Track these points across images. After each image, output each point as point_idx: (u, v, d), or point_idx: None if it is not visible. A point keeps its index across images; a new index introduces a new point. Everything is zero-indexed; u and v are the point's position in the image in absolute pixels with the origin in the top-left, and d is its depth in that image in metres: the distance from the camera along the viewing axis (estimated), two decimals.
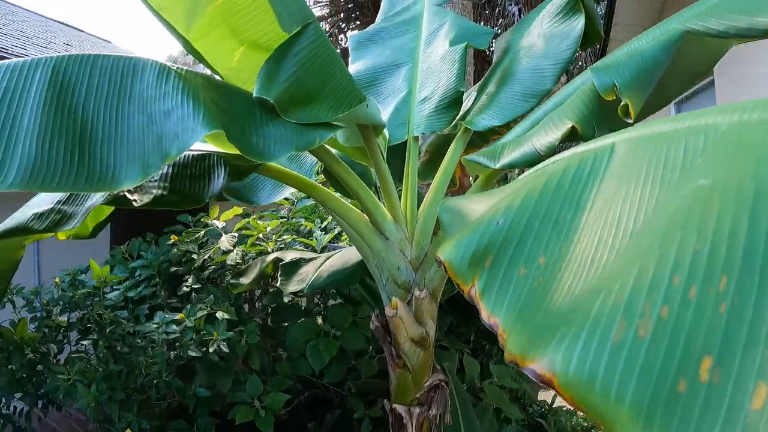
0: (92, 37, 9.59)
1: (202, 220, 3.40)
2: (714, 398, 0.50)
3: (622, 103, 1.33)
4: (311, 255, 2.88)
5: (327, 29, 13.07)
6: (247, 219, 3.25)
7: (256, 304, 3.41)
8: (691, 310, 0.55)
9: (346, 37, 13.21)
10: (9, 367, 2.71)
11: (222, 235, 3.26)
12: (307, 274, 2.59)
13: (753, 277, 0.54)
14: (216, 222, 3.34)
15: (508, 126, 2.06)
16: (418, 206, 2.19)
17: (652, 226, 0.67)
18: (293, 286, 2.60)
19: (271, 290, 3.32)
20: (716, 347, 0.52)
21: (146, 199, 1.65)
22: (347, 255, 2.59)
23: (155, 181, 1.74)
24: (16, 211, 1.90)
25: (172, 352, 2.61)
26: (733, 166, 0.64)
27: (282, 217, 3.44)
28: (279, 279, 2.71)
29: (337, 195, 2.20)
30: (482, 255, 0.87)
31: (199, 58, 1.91)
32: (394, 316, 2.02)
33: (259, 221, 3.27)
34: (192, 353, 2.56)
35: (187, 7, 1.76)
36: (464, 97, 2.30)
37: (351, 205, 2.09)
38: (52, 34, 7.67)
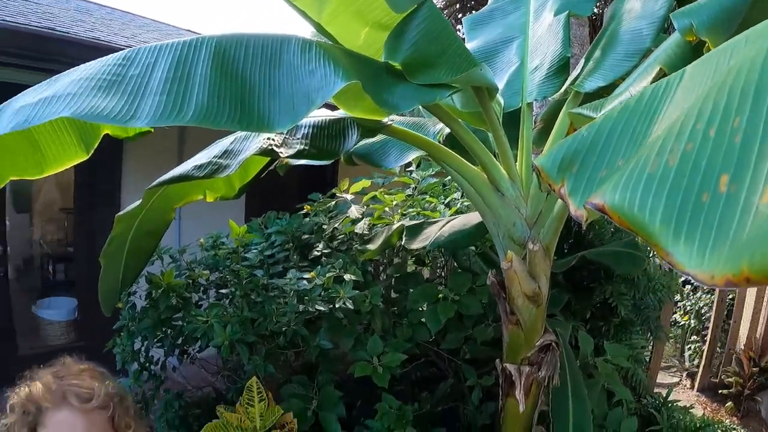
0: None
1: (333, 191, 3.72)
2: (731, 203, 0.72)
3: (706, 45, 1.48)
4: (434, 219, 3.13)
5: None
6: (375, 192, 3.51)
7: (381, 276, 3.66)
8: (711, 142, 0.77)
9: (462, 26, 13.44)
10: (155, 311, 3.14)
11: (351, 206, 3.57)
12: (430, 233, 2.83)
13: (760, 115, 0.74)
14: (345, 195, 3.66)
15: (612, 86, 2.21)
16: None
17: (693, 104, 0.87)
18: (417, 244, 2.85)
19: (395, 261, 3.60)
20: (732, 167, 0.74)
21: (291, 152, 1.95)
22: (467, 218, 2.81)
23: (298, 138, 2.04)
24: (179, 166, 2.28)
25: (301, 306, 2.92)
26: (754, 46, 0.84)
27: (408, 195, 3.65)
28: (404, 238, 2.97)
29: None
30: (570, 161, 1.10)
31: (331, 38, 2.21)
32: (509, 269, 2.21)
33: (386, 196, 3.52)
34: (319, 307, 2.86)
35: None
36: (575, 66, 2.49)
37: (470, 164, 2.30)
38: (171, 36, 8.24)
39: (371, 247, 3.23)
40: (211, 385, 3.94)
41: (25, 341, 5.50)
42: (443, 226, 2.82)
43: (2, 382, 1.57)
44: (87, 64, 1.62)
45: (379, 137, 2.83)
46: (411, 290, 3.25)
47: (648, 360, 5.14)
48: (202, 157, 2.20)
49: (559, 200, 2.14)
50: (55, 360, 1.58)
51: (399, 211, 3.43)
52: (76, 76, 1.55)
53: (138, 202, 2.54)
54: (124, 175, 5.74)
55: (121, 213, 2.61)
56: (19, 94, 1.65)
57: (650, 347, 5.10)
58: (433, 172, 3.50)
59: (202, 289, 3.41)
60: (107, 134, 2.31)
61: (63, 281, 7.51)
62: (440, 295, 3.04)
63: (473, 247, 3.39)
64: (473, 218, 2.74)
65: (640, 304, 3.93)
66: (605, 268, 3.55)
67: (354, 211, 3.45)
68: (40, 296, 6.96)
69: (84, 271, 6.05)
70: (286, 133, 2.07)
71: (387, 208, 3.38)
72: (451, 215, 3.37)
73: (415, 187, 3.64)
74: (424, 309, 3.14)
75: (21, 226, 6.57)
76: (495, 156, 2.30)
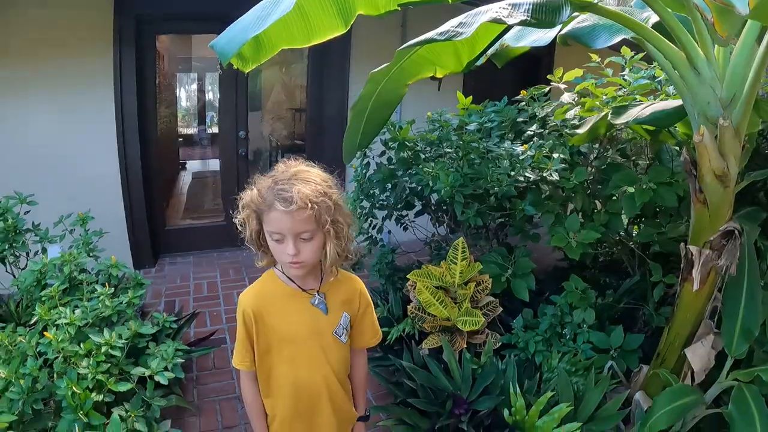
0: None
1: (547, 77, 4.19)
2: None
3: None
4: (638, 103, 3.44)
5: None
6: (586, 83, 3.85)
7: (588, 168, 4.05)
8: None
9: None
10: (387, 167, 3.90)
11: (564, 94, 4.01)
12: (633, 113, 3.17)
13: None
14: (559, 84, 4.09)
15: None
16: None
17: None
18: (621, 120, 3.21)
19: (605, 154, 3.98)
20: None
21: (515, 21, 2.46)
22: (669, 102, 3.12)
23: (521, 12, 2.54)
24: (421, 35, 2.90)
25: (512, 171, 3.49)
26: None
27: (619, 95, 3.86)
28: (609, 114, 3.33)
29: None
30: None
31: None
32: (700, 142, 2.54)
33: (597, 88, 3.83)
34: (528, 174, 3.40)
35: None
36: None
37: (672, 45, 2.61)
38: None
39: (579, 131, 3.62)
40: (417, 252, 4.72)
41: None
42: (646, 107, 3.15)
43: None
44: None
45: (590, 22, 3.20)
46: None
47: None
48: (441, 28, 2.78)
49: (748, 82, 2.49)
50: (280, 164, 2.02)
51: (610, 104, 3.72)
52: None
53: (387, 64, 3.22)
54: (351, 76, 6.72)
55: (374, 71, 3.22)
56: None
57: None
58: (645, 74, 3.80)
59: (425, 157, 4.10)
60: (360, 14, 2.71)
61: None
62: (639, 181, 3.34)
63: (676, 148, 3.71)
64: (674, 103, 3.05)
65: None
66: None
67: (566, 97, 3.90)
68: None
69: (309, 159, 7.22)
70: (511, 8, 2.60)
71: (597, 102, 3.76)
72: None
73: (626, 90, 3.94)
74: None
75: (254, 122, 7.73)
76: (694, 40, 2.57)
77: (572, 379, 3.31)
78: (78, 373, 2.59)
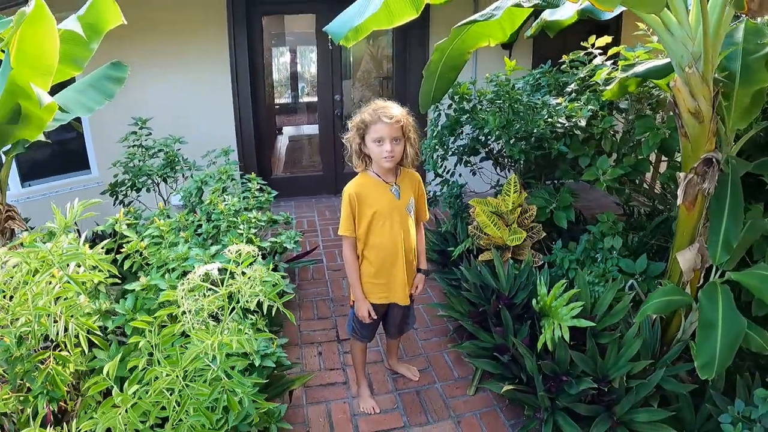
0: None
1: (581, 44, 5.28)
2: None
3: None
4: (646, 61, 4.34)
5: None
6: (618, 48, 4.80)
7: (625, 121, 5.06)
8: None
9: None
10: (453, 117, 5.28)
11: (596, 56, 5.10)
12: (636, 69, 4.10)
13: None
14: (593, 50, 5.18)
15: None
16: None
17: None
18: (626, 74, 4.13)
19: (637, 108, 4.91)
20: None
21: (530, 4, 3.40)
22: (662, 60, 4.04)
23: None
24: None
25: (549, 118, 4.66)
26: None
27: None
28: (620, 68, 4.34)
29: None
30: None
31: None
32: (674, 86, 3.26)
33: (626, 51, 4.67)
34: (561, 120, 4.57)
35: None
36: None
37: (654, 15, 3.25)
38: None
39: (609, 87, 4.53)
40: (482, 194, 5.98)
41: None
42: (645, 64, 4.08)
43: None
44: None
45: None
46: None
47: None
48: (482, 11, 3.67)
49: (700, 40, 3.17)
50: (376, 100, 3.22)
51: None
52: None
53: (446, 38, 4.26)
54: (430, 47, 8.13)
55: (438, 43, 4.32)
56: None
57: None
58: None
59: (481, 108, 5.37)
60: (428, 4, 3.50)
61: None
62: (656, 128, 4.20)
63: None
64: (665, 60, 3.91)
65: None
66: None
67: (598, 60, 4.97)
68: None
69: None
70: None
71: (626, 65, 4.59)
72: None
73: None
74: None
75: (346, 90, 9.18)
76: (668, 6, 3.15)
77: (594, 288, 4.24)
78: (237, 233, 4.10)
